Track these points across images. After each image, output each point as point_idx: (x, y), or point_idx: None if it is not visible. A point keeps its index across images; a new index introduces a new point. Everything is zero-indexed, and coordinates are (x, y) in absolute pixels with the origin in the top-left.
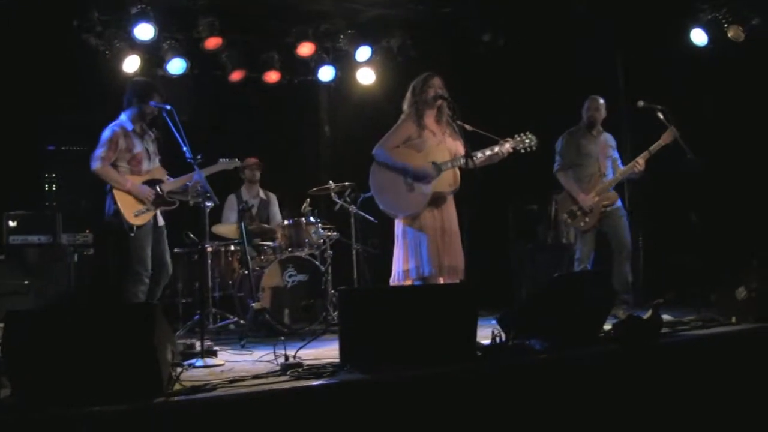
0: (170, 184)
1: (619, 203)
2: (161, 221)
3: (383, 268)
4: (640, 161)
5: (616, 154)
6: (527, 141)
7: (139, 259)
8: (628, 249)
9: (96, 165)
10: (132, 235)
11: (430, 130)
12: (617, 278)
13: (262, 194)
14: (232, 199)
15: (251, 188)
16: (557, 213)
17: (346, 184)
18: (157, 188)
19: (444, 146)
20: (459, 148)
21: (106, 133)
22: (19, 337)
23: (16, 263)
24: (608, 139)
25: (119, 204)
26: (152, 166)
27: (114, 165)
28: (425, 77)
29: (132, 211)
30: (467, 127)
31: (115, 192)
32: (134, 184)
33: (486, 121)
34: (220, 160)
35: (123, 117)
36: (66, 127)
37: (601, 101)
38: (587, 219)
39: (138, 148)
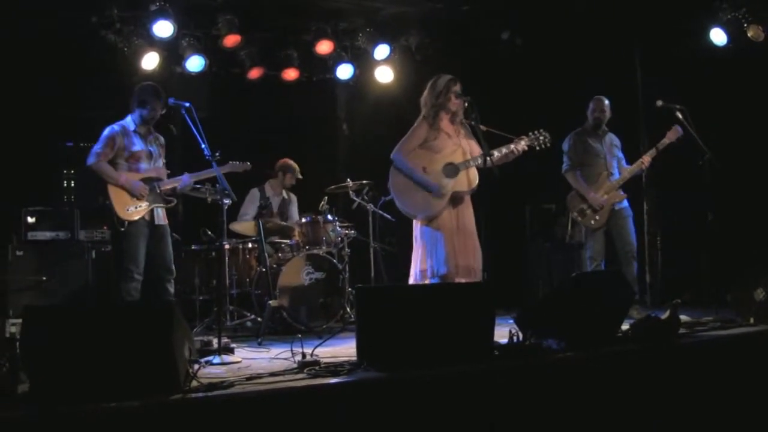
0: (168, 183)
1: (626, 203)
2: (162, 220)
3: (401, 267)
4: (646, 160)
5: (620, 154)
6: (542, 138)
7: (130, 256)
8: (633, 249)
9: (91, 160)
10: (122, 230)
11: (445, 133)
12: None
13: (284, 194)
14: (255, 193)
15: (278, 187)
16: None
17: (364, 182)
18: (154, 186)
19: (460, 147)
20: (474, 147)
21: (106, 132)
22: (37, 332)
23: (34, 259)
24: (613, 139)
25: (112, 199)
26: (152, 166)
27: (113, 163)
28: (449, 81)
29: (124, 206)
30: (482, 127)
31: (109, 187)
32: (128, 179)
33: (503, 119)
34: (231, 162)
35: (128, 118)
36: (84, 124)
37: (606, 102)
38: (597, 217)
39: (137, 147)
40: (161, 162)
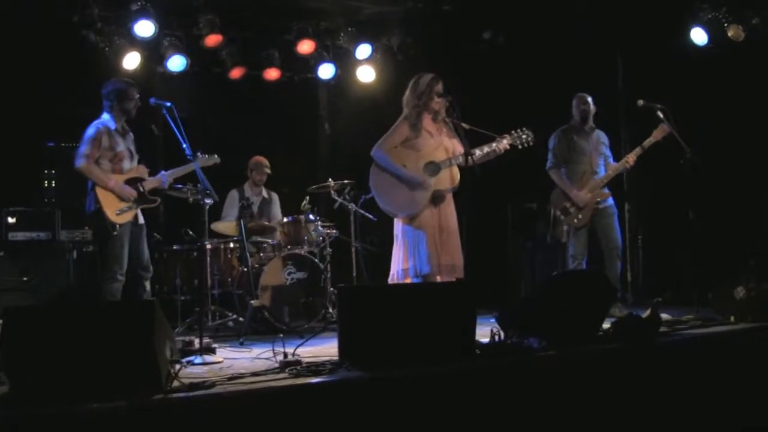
0: (151, 182)
1: (610, 201)
2: (141, 219)
3: (382, 266)
4: (631, 158)
5: (608, 152)
6: (524, 137)
7: (116, 257)
8: (618, 248)
9: (81, 162)
10: (114, 233)
11: (427, 131)
12: (608, 277)
13: (264, 193)
14: (234, 194)
15: (254, 186)
16: (552, 210)
17: (346, 181)
18: (139, 186)
19: (442, 146)
20: (456, 146)
21: (90, 131)
22: (17, 333)
23: (14, 260)
24: (600, 136)
25: (102, 203)
26: (133, 165)
27: (96, 163)
28: (430, 81)
29: (114, 209)
30: (464, 125)
31: (97, 190)
32: (117, 182)
33: (485, 118)
34: (198, 155)
35: (105, 116)
36: (65, 124)
37: (588, 96)
38: (580, 216)
39: (120, 146)
40: (137, 159)
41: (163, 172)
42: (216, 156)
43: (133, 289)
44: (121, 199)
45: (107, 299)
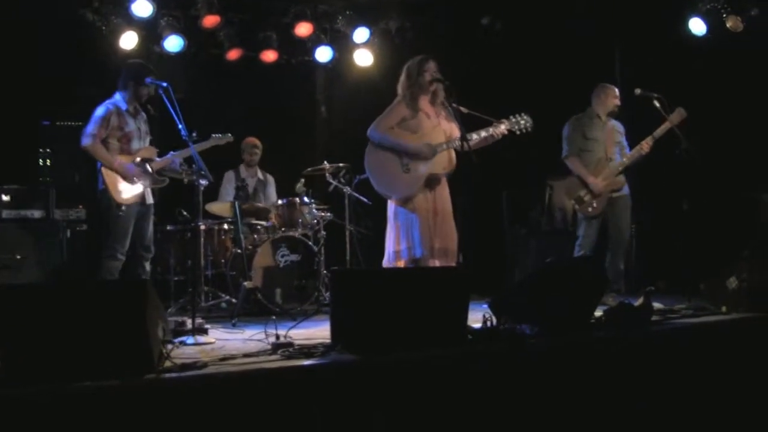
0: (160, 162)
1: (626, 190)
2: (150, 199)
3: (376, 250)
4: (645, 145)
5: (624, 141)
6: (522, 122)
7: (118, 237)
8: (626, 240)
9: (87, 141)
10: (120, 213)
11: (424, 112)
12: (611, 267)
13: (260, 174)
14: (230, 175)
15: (249, 168)
16: (550, 198)
17: (341, 164)
18: (147, 166)
19: (439, 128)
20: (454, 130)
21: (100, 111)
22: (9, 311)
23: (8, 237)
24: (616, 125)
25: (107, 182)
26: (142, 145)
27: (104, 142)
28: (420, 61)
29: (120, 189)
30: (462, 109)
31: (103, 170)
32: (121, 163)
33: (482, 103)
34: (213, 135)
35: (117, 96)
36: (61, 102)
37: (617, 91)
38: (595, 204)
39: (130, 126)
40: (149, 140)
41: (172, 152)
42: (230, 135)
43: (133, 269)
44: (126, 178)
45: (104, 277)
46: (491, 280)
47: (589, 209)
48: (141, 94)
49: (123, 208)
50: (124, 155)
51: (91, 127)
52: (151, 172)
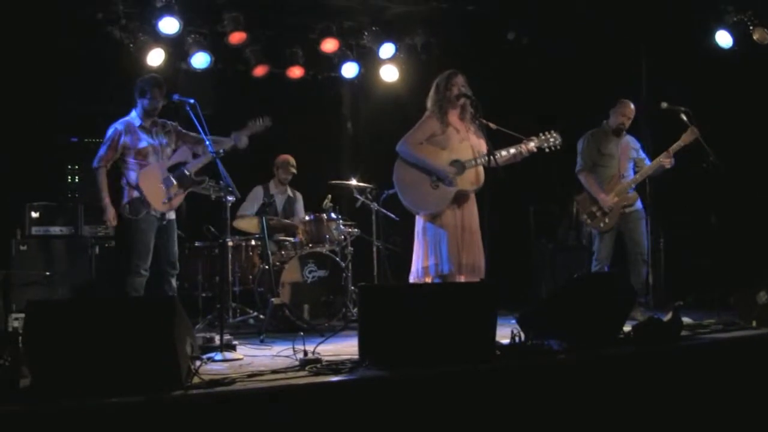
0: (194, 164)
1: (639, 205)
2: (171, 215)
3: (404, 266)
4: (666, 161)
5: (642, 154)
6: (551, 140)
7: (140, 252)
8: (644, 252)
9: (95, 164)
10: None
11: (453, 128)
12: (634, 282)
13: (289, 191)
14: (258, 190)
15: (280, 185)
16: (578, 213)
17: (369, 185)
18: (182, 170)
19: (468, 144)
20: (483, 146)
21: (108, 132)
22: (40, 327)
23: (38, 254)
24: (630, 140)
25: (146, 194)
26: (161, 159)
27: (123, 160)
28: (448, 75)
29: (159, 199)
30: (491, 125)
31: (140, 183)
32: (108, 203)
33: (510, 119)
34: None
35: (133, 113)
36: (89, 120)
37: (633, 107)
38: (607, 220)
39: (143, 143)
40: (171, 150)
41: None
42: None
43: (159, 285)
44: (106, 220)
45: (130, 293)
46: (519, 295)
47: (601, 225)
48: (146, 107)
49: (155, 218)
50: (148, 172)
51: (100, 151)
52: (188, 174)
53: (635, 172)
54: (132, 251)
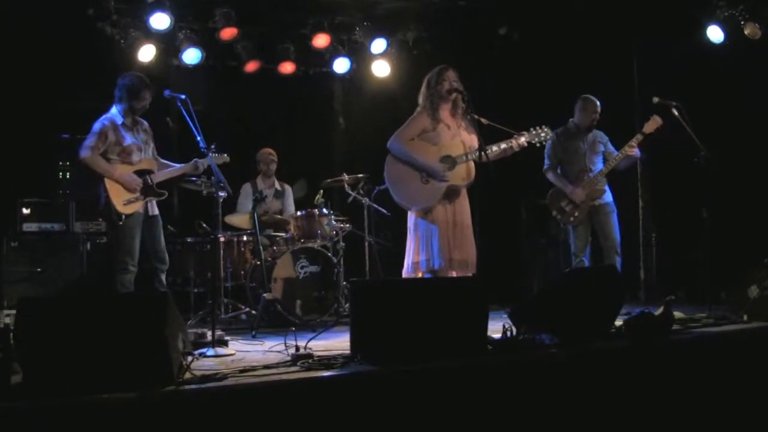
0: (160, 175)
1: (608, 198)
2: (155, 211)
3: (396, 261)
4: (630, 150)
5: (610, 148)
6: (542, 135)
7: (125, 249)
8: (616, 244)
9: (85, 153)
10: (120, 224)
11: (445, 123)
12: None
13: (277, 185)
14: (247, 187)
15: (266, 179)
16: (549, 211)
17: (360, 176)
18: (147, 178)
19: (459, 139)
20: (474, 141)
21: (96, 126)
22: (31, 323)
23: (29, 250)
24: (598, 135)
25: (110, 193)
26: (143, 156)
27: (105, 157)
28: (440, 70)
29: (121, 199)
30: (482, 120)
31: (106, 181)
32: (122, 173)
33: (501, 114)
34: (212, 147)
35: (114, 110)
36: (81, 116)
37: (597, 102)
38: (576, 213)
39: (127, 140)
40: (150, 150)
41: (211, 160)
42: (225, 155)
43: (149, 282)
44: (127, 189)
45: (119, 290)
46: (510, 290)
47: (571, 219)
48: (136, 108)
49: (123, 218)
50: (125, 166)
51: (88, 141)
52: (151, 184)
53: (604, 165)
54: (119, 248)
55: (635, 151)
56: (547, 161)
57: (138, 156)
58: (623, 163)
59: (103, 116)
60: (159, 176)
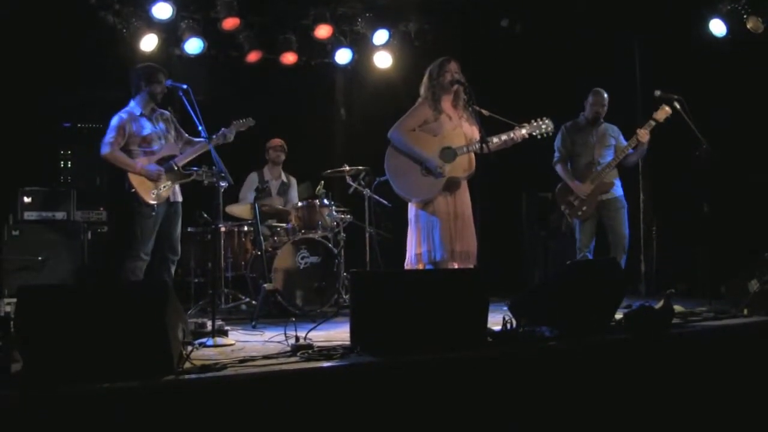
0: (183, 157)
1: (618, 192)
2: (178, 197)
3: (396, 252)
4: (642, 134)
5: (622, 141)
6: (543, 126)
7: (144, 238)
8: (624, 242)
9: (106, 150)
10: (153, 214)
11: (446, 114)
12: None
13: (283, 177)
14: (253, 177)
15: (273, 169)
16: (558, 204)
17: (361, 167)
18: (172, 163)
19: (460, 131)
20: (475, 133)
21: (114, 121)
22: (31, 312)
23: (30, 239)
24: (608, 128)
25: (136, 186)
26: (164, 144)
27: (127, 150)
28: (442, 61)
29: (149, 190)
30: (484, 112)
31: (129, 175)
32: (143, 165)
33: (502, 106)
34: (234, 122)
35: (132, 104)
36: (82, 105)
37: (606, 95)
38: (585, 208)
39: (147, 130)
40: (172, 136)
41: (211, 147)
42: (251, 119)
43: (158, 272)
44: (151, 179)
45: (128, 277)
46: (511, 282)
47: (579, 213)
48: (156, 92)
49: (155, 208)
50: (148, 157)
51: (108, 136)
52: (176, 168)
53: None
54: (134, 235)
55: (646, 137)
56: (556, 153)
57: (158, 144)
58: (634, 156)
59: (121, 111)
60: (181, 159)
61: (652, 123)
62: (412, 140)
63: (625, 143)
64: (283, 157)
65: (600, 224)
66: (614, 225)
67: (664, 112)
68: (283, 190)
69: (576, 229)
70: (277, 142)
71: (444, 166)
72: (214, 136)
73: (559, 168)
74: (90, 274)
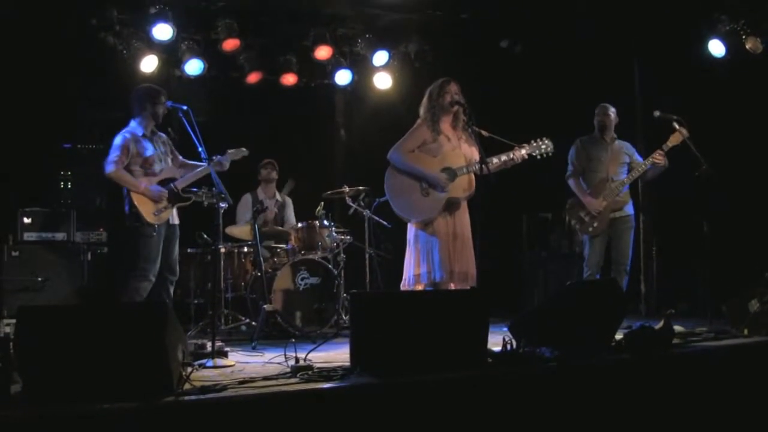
0: (183, 180)
1: (629, 210)
2: (175, 220)
3: (396, 273)
4: (658, 158)
5: (638, 158)
6: (543, 147)
7: (148, 258)
8: (627, 263)
9: (110, 168)
10: (154, 234)
11: (445, 135)
12: None
13: (278, 196)
14: (247, 198)
15: (267, 189)
16: (569, 219)
17: (361, 188)
18: (172, 186)
19: (459, 151)
20: (475, 153)
21: (118, 140)
22: (31, 333)
23: (29, 260)
24: (624, 146)
25: (138, 206)
26: (165, 166)
27: (129, 170)
28: (442, 82)
29: (151, 211)
30: (483, 132)
31: (132, 194)
32: (147, 186)
33: (502, 127)
34: (228, 151)
35: (133, 123)
36: (82, 126)
37: (611, 108)
38: (596, 224)
39: (149, 151)
40: (170, 159)
41: (211, 169)
42: (244, 149)
43: (157, 292)
44: (154, 200)
45: (132, 297)
46: (510, 302)
47: (590, 229)
48: (158, 113)
49: (156, 228)
50: (150, 178)
51: (112, 155)
52: (176, 190)
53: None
54: (139, 256)
55: (664, 160)
56: (570, 167)
57: (160, 166)
58: (650, 173)
59: (123, 130)
60: (181, 182)
61: (668, 146)
62: (413, 161)
63: (640, 160)
64: (274, 174)
65: (608, 242)
66: (620, 244)
67: (676, 138)
68: (280, 209)
69: (585, 246)
70: (266, 162)
71: (447, 180)
72: (214, 158)
73: (571, 182)
74: (90, 294)
